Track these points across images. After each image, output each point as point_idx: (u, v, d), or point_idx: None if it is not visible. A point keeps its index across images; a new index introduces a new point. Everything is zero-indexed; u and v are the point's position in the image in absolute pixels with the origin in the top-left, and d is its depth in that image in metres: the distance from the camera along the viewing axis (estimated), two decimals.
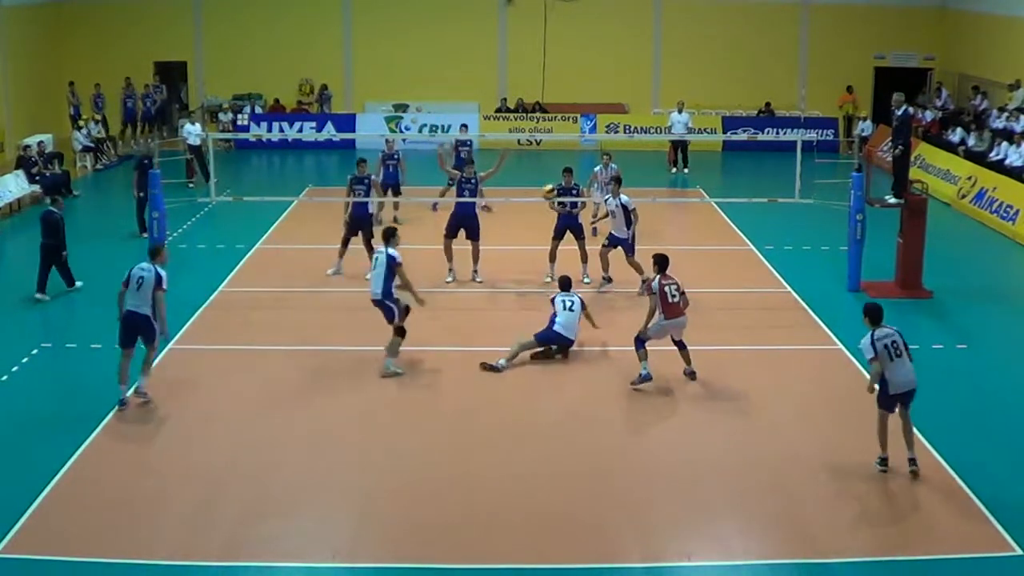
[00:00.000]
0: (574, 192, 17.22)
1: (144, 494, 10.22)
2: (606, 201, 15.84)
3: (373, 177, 17.36)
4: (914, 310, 16.11)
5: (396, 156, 20.17)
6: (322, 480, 10.65)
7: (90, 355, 13.91)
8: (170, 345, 14.11)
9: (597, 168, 19.81)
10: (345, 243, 17.18)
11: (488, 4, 32.66)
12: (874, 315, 10.74)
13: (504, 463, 11.01)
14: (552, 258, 16.91)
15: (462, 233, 16.93)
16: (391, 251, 13.33)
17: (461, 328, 15.09)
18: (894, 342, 10.51)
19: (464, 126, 25.17)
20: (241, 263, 18.34)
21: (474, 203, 17.09)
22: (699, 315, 15.71)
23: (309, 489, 10.45)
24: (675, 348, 13.23)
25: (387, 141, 20.43)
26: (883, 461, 10.71)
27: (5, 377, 13.14)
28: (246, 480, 10.54)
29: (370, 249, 16.47)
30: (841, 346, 14.29)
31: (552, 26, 31.90)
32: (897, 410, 10.63)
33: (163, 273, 12.37)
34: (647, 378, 12.80)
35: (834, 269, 17.39)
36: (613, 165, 19.81)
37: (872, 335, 10.55)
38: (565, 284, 14.11)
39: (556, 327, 13.70)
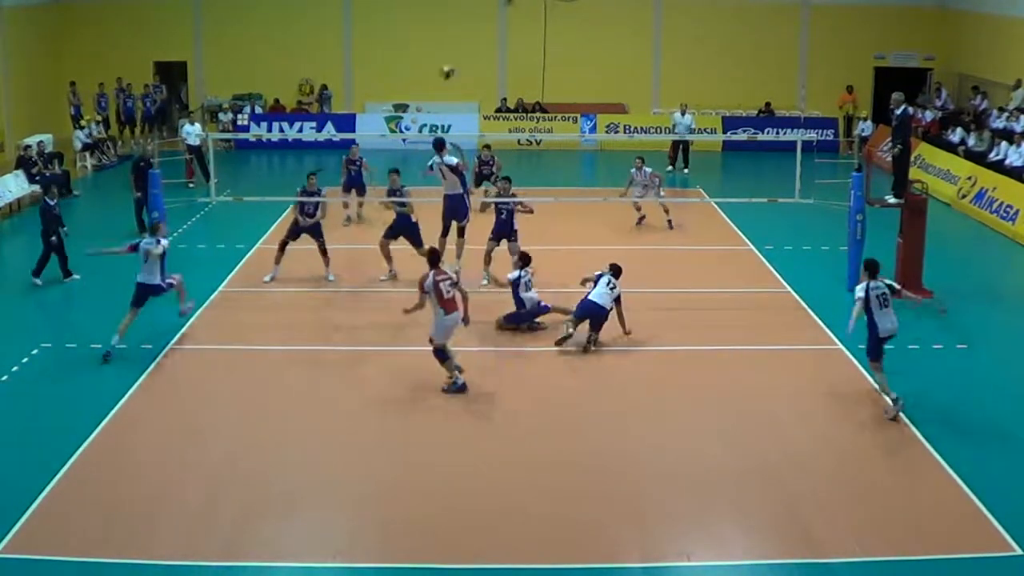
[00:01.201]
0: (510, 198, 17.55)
1: (144, 494, 10.22)
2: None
3: (325, 192, 17.60)
4: (914, 310, 16.10)
5: (358, 162, 20.63)
6: (322, 480, 10.65)
7: (90, 355, 13.90)
8: (170, 345, 14.14)
9: (632, 171, 20.63)
10: (282, 247, 17.12)
11: (488, 4, 32.66)
12: (872, 269, 12.25)
13: (504, 463, 11.01)
14: (487, 261, 17.09)
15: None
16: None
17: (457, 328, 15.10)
18: (884, 294, 12.14)
19: (487, 147, 23.29)
20: (241, 263, 18.34)
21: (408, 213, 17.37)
22: (699, 315, 15.77)
23: (309, 489, 10.45)
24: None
25: (351, 148, 20.99)
26: (895, 400, 11.97)
27: (5, 377, 13.14)
28: (246, 480, 10.55)
29: (325, 253, 17.07)
30: (841, 346, 14.29)
31: (552, 26, 31.91)
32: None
33: (166, 242, 14.44)
34: (462, 388, 12.71)
35: (834, 269, 17.38)
36: (647, 168, 20.37)
37: (868, 285, 12.07)
38: (617, 272, 14.55)
39: (591, 296, 14.24)
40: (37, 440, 11.37)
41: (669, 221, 20.68)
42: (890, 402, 12.03)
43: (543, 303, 14.93)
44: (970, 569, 9.15)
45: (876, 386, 12.46)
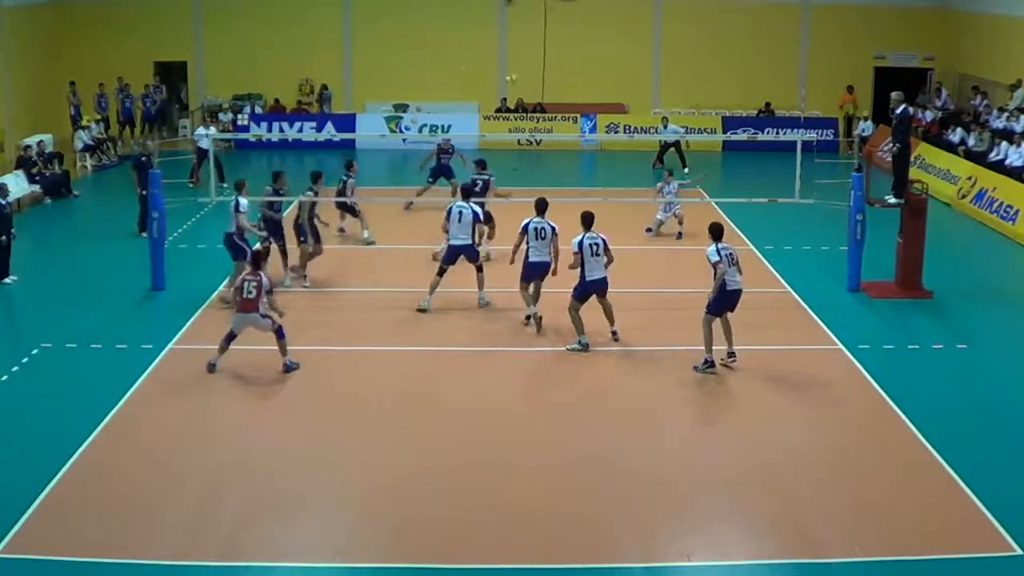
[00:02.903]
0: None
1: (144, 494, 10.22)
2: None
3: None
4: (914, 310, 16.13)
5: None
6: (322, 480, 10.65)
7: (90, 355, 13.91)
8: (170, 345, 14.15)
9: (659, 183, 20.63)
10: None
11: (488, 4, 32.66)
12: (717, 233, 13.31)
13: (504, 463, 11.00)
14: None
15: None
16: (475, 207, 15.70)
17: (451, 327, 15.12)
18: (731, 254, 13.30)
19: (447, 138, 23.21)
20: None
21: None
22: (699, 315, 15.74)
23: (309, 489, 10.45)
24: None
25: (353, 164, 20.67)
26: (708, 362, 13.29)
27: (5, 377, 13.14)
28: (246, 480, 10.54)
29: (284, 254, 17.11)
30: (841, 346, 14.30)
31: (552, 26, 31.91)
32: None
33: (244, 200, 15.83)
34: (210, 368, 13.14)
35: (834, 269, 17.39)
36: (675, 182, 20.28)
37: (718, 247, 13.16)
38: (589, 222, 13.89)
39: (588, 278, 13.78)
40: (37, 440, 11.37)
41: (679, 232, 20.24)
42: (704, 358, 13.25)
43: None
44: (970, 569, 9.15)
45: (704, 339, 13.30)
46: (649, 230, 20.45)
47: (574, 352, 13.95)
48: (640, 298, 15.85)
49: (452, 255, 15.66)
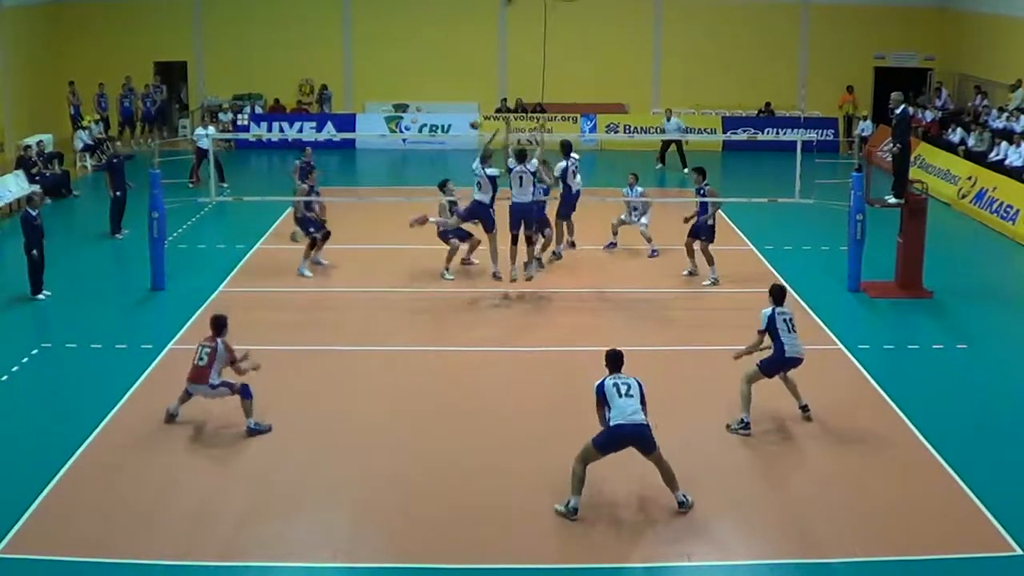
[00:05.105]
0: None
1: (144, 494, 10.22)
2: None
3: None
4: (914, 310, 16.12)
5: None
6: (322, 480, 10.64)
7: (90, 355, 13.91)
8: (170, 345, 14.14)
9: (625, 189, 19.55)
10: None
11: (488, 4, 32.66)
12: (777, 296, 11.99)
13: (504, 463, 11.00)
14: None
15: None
16: (531, 167, 16.14)
17: (449, 328, 15.12)
18: (790, 319, 11.84)
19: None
20: (241, 263, 18.34)
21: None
22: (699, 315, 15.77)
23: (309, 489, 10.45)
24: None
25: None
26: (744, 423, 11.63)
27: (5, 377, 13.14)
28: (246, 480, 10.55)
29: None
30: (841, 346, 14.30)
31: (552, 26, 31.86)
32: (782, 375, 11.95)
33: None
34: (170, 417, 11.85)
35: (834, 269, 17.39)
36: (638, 188, 19.40)
37: (773, 311, 11.79)
38: (617, 361, 10.67)
39: (612, 422, 10.22)
40: (37, 440, 11.38)
41: (653, 251, 18.85)
42: (740, 417, 11.63)
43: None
44: (970, 569, 9.15)
45: (741, 395, 11.72)
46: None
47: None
48: (640, 297, 15.81)
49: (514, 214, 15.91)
